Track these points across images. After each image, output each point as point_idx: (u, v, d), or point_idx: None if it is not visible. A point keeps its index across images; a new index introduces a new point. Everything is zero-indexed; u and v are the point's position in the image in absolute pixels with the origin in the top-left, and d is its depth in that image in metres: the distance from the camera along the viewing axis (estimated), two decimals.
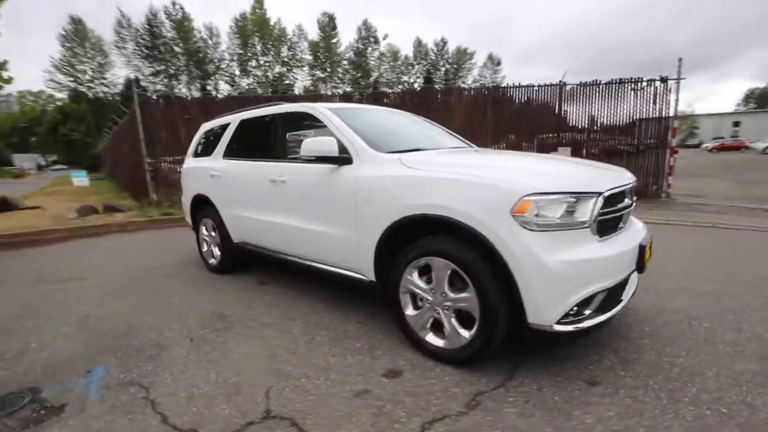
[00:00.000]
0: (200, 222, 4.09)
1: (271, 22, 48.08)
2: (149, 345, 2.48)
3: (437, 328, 2.17)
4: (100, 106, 39.91)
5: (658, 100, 8.87)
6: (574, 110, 9.42)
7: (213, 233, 3.92)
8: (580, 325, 1.83)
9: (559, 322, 1.78)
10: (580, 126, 9.46)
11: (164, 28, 42.75)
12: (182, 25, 43.03)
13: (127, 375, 2.14)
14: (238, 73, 48.28)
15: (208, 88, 45.87)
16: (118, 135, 13.24)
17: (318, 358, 2.25)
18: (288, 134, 3.09)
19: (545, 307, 1.76)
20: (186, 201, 4.26)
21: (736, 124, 54.08)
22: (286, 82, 49.20)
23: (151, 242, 5.87)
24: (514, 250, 1.76)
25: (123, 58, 42.77)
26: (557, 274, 1.74)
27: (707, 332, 2.39)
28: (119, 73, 44.16)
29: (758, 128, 47.28)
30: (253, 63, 48.71)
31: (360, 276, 2.53)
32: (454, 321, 2.05)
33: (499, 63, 55.29)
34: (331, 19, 49.94)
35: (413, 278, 2.18)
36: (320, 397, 1.89)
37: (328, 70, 51.18)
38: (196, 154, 4.31)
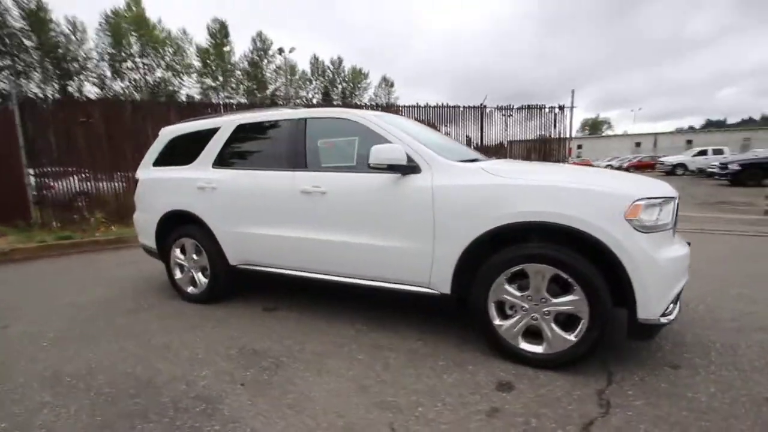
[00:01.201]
0: (173, 244, 3.41)
1: (151, 23, 43.05)
2: (188, 399, 1.96)
3: (528, 334, 2.18)
4: None
5: (557, 124, 10.45)
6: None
7: (195, 256, 3.31)
8: (670, 317, 2.02)
9: (662, 315, 1.96)
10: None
11: (10, 17, 34.79)
12: (36, 15, 35.64)
13: None
14: (109, 74, 41.86)
15: (70, 89, 38.65)
16: None
17: (412, 382, 2.06)
18: (319, 141, 2.80)
19: (656, 302, 1.91)
20: (150, 218, 3.51)
21: (580, 146, 66.51)
22: (170, 87, 44.36)
23: (62, 273, 4.67)
24: (630, 251, 1.88)
25: None
26: (666, 270, 1.92)
27: (708, 314, 2.87)
28: None
29: (595, 150, 58.89)
30: (129, 64, 42.83)
31: (426, 290, 2.41)
32: (554, 325, 2.09)
33: (392, 85, 58.56)
34: (223, 26, 46.90)
35: (505, 286, 2.16)
36: (453, 424, 1.73)
37: (220, 79, 47.78)
38: (160, 163, 3.62)
